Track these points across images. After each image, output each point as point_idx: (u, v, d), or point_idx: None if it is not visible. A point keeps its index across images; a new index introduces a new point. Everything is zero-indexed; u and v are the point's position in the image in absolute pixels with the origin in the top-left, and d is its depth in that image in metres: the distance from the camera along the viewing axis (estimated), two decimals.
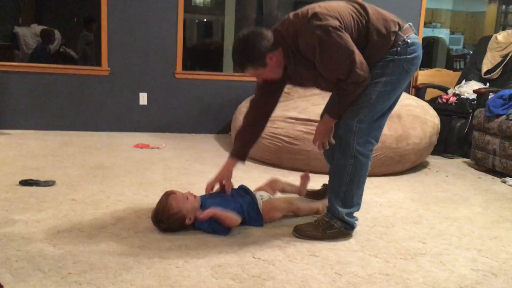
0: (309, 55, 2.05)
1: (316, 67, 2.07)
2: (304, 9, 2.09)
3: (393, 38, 2.09)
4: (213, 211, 2.14)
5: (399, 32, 2.10)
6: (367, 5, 2.12)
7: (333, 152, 2.33)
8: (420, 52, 2.16)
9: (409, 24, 2.16)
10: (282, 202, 2.43)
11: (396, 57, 2.09)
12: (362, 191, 2.22)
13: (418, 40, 2.16)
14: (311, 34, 1.99)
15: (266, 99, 2.35)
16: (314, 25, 1.99)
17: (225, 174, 2.36)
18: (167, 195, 2.18)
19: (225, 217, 2.15)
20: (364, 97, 2.09)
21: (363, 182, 2.20)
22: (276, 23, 2.19)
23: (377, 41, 2.08)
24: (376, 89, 2.09)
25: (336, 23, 1.99)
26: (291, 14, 2.13)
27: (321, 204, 2.48)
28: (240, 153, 2.37)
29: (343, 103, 2.12)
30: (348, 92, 2.08)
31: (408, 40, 2.10)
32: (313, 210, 2.49)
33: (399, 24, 2.12)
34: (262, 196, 2.39)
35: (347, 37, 2.00)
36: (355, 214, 2.22)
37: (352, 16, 2.06)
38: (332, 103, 2.18)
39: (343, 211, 2.15)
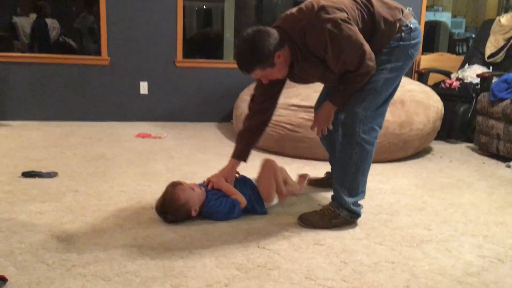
0: (319, 50, 1.99)
1: (324, 62, 2.03)
2: (307, 3, 2.03)
3: (398, 24, 2.07)
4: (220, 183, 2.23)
5: (402, 18, 2.09)
6: None
7: (331, 139, 2.31)
8: (420, 37, 2.17)
9: (408, 9, 2.15)
10: (264, 171, 2.38)
11: (401, 43, 2.07)
12: (367, 179, 2.20)
13: (418, 25, 2.16)
14: (321, 28, 1.94)
15: (268, 103, 2.31)
16: (323, 19, 1.94)
17: (228, 174, 2.35)
18: (174, 186, 2.16)
19: (233, 192, 2.21)
20: (370, 84, 2.07)
21: (368, 170, 2.18)
22: (277, 21, 2.11)
23: (384, 30, 2.06)
24: (382, 75, 2.07)
25: (344, 15, 1.95)
26: (294, 10, 2.07)
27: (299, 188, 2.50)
28: (242, 154, 2.35)
29: (348, 92, 2.09)
30: (355, 82, 2.05)
31: (411, 26, 2.09)
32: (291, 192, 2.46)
33: (402, 10, 2.12)
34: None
35: (355, 29, 1.97)
36: (360, 201, 2.21)
37: (356, 7, 2.03)
38: (336, 92, 2.15)
39: (349, 200, 2.14)
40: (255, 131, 2.35)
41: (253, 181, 2.38)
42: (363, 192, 2.20)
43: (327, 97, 2.23)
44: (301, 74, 2.13)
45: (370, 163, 2.17)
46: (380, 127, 2.18)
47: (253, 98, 2.37)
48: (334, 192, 2.20)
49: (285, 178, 2.49)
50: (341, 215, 2.15)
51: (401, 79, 2.19)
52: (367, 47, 1.99)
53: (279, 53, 2.00)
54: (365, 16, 2.04)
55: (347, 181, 2.14)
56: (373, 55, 2.01)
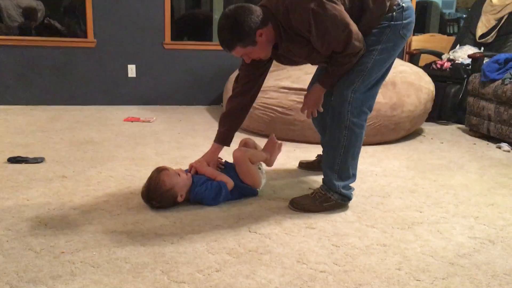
0: (303, 31, 1.94)
1: (310, 43, 1.97)
2: None
3: (388, 4, 2.00)
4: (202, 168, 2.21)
5: None
6: None
7: (324, 121, 2.28)
8: (414, 17, 2.09)
9: None
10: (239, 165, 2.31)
11: (392, 23, 2.01)
12: (357, 162, 2.18)
13: (411, 3, 2.09)
14: (304, 8, 1.87)
15: (251, 84, 2.25)
16: (306, 1, 1.87)
17: (211, 159, 2.31)
18: (159, 171, 2.11)
19: (216, 175, 2.19)
20: (359, 66, 2.02)
21: (358, 153, 2.15)
22: None
23: (372, 8, 1.99)
24: (372, 57, 2.02)
25: None
26: None
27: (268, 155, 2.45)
28: (225, 138, 2.31)
29: (337, 73, 2.05)
30: (343, 63, 2.00)
31: (403, 4, 2.02)
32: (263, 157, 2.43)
33: None
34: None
35: (341, 8, 1.91)
36: (351, 184, 2.19)
37: None
38: (325, 73, 2.10)
39: (339, 184, 2.12)
40: (237, 114, 2.31)
41: None
42: (354, 175, 2.18)
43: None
44: (287, 54, 2.08)
45: (360, 146, 2.15)
46: (370, 110, 2.14)
47: (237, 79, 2.32)
48: (324, 176, 2.18)
49: (256, 151, 2.44)
50: (332, 198, 2.13)
51: (393, 60, 2.13)
52: (353, 27, 1.92)
53: (261, 31, 1.94)
54: None
55: (336, 164, 2.11)
56: (360, 35, 1.96)
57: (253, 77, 2.24)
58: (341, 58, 1.99)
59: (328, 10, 1.87)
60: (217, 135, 2.33)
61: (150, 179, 2.11)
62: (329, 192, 2.14)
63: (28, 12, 5.93)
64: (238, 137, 3.45)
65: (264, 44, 1.99)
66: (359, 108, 2.05)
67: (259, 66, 2.19)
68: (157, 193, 2.07)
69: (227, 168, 2.33)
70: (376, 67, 2.04)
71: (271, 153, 2.47)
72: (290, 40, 1.99)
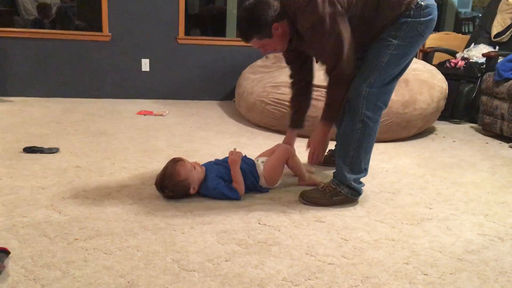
0: (304, 36, 2.06)
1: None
2: None
3: (406, 2, 1.99)
4: (236, 163, 2.20)
5: None
6: None
7: (342, 116, 2.29)
8: (435, 14, 2.06)
9: None
10: (275, 157, 2.36)
11: (410, 19, 2.00)
12: (370, 157, 2.19)
13: (433, 1, 2.06)
14: (307, 18, 1.98)
15: (302, 73, 2.40)
16: (311, 10, 1.95)
17: (288, 143, 2.49)
18: (175, 161, 2.15)
19: (239, 178, 2.19)
20: (375, 60, 2.04)
21: (371, 147, 2.16)
22: None
23: (386, 7, 2.00)
24: (388, 52, 2.03)
25: (334, 10, 1.94)
26: None
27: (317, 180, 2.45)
28: (294, 121, 2.49)
29: (333, 106, 2.12)
30: (334, 89, 2.08)
31: (422, 3, 2.01)
32: (305, 177, 2.44)
33: None
34: (263, 162, 2.36)
35: (343, 25, 1.96)
36: (362, 180, 2.20)
37: None
38: (324, 109, 2.17)
39: (350, 177, 2.13)
40: (301, 97, 2.45)
41: (261, 161, 2.36)
42: (366, 170, 2.19)
43: None
44: (300, 48, 2.21)
45: (374, 141, 2.16)
46: (386, 105, 2.15)
47: (290, 76, 2.49)
48: (336, 168, 2.20)
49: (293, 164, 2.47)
50: (342, 192, 2.15)
51: (411, 57, 2.13)
52: (345, 48, 1.97)
53: (277, 25, 2.05)
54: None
55: (349, 157, 2.12)
56: (352, 61, 2.01)
57: (297, 66, 2.40)
58: (330, 78, 2.07)
59: (327, 27, 1.94)
60: (288, 122, 2.53)
61: (166, 168, 2.15)
62: (339, 186, 2.15)
63: (42, 8, 6.01)
64: (254, 134, 3.49)
65: (279, 38, 2.10)
66: (374, 103, 2.07)
67: (296, 56, 2.34)
68: (171, 183, 2.10)
69: (246, 162, 2.32)
70: (392, 62, 2.05)
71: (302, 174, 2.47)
72: (299, 38, 2.10)
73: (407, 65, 2.15)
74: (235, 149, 2.26)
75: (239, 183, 2.18)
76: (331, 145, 2.78)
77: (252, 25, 2.06)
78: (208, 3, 6.44)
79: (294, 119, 2.49)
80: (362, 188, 2.20)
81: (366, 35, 2.08)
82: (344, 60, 1.99)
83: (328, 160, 2.70)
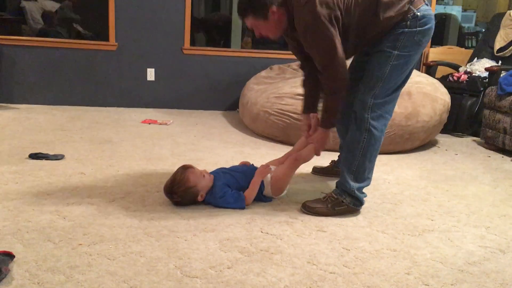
0: (299, 32, 2.08)
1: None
2: None
3: (401, 17, 2.03)
4: (263, 175, 2.23)
5: (410, 6, 2.04)
6: None
7: (345, 127, 2.32)
8: (432, 24, 2.11)
9: None
10: (286, 166, 2.36)
11: (406, 30, 2.05)
12: (374, 166, 2.21)
13: (430, 11, 2.10)
14: (302, 17, 2.01)
15: (308, 65, 2.34)
16: (307, 10, 1.98)
17: (307, 127, 2.40)
18: (185, 168, 2.18)
19: (255, 190, 2.21)
20: (377, 72, 2.08)
21: (375, 157, 2.19)
22: None
23: (382, 21, 2.04)
24: (389, 63, 2.07)
25: (330, 12, 1.97)
26: None
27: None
28: (310, 106, 2.42)
29: (330, 112, 2.15)
30: (329, 93, 2.11)
31: (418, 14, 2.04)
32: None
33: (411, 0, 2.06)
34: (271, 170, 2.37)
35: (335, 31, 2.00)
36: (365, 190, 2.21)
37: None
38: (321, 114, 2.21)
39: (354, 185, 2.15)
40: (312, 83, 2.41)
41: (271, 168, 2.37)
42: (369, 179, 2.21)
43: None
44: (295, 39, 2.21)
45: (378, 150, 2.18)
46: (390, 115, 2.19)
47: (301, 67, 2.49)
48: (340, 176, 2.22)
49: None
50: (344, 202, 2.16)
51: (412, 67, 2.17)
52: (339, 51, 2.00)
53: (274, 10, 2.07)
54: (368, 2, 2.05)
55: (354, 165, 2.15)
56: (345, 64, 2.05)
57: (302, 57, 2.34)
58: (324, 80, 2.10)
59: (321, 28, 1.97)
60: (302, 106, 2.46)
61: (176, 174, 2.17)
62: (341, 195, 2.17)
63: (46, 17, 6.09)
64: (258, 144, 3.51)
65: (273, 23, 2.12)
66: (379, 113, 2.11)
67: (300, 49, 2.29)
68: (181, 188, 2.13)
69: (252, 170, 2.35)
70: (394, 73, 2.09)
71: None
72: (295, 31, 2.12)
73: (409, 74, 2.18)
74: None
75: (253, 192, 2.20)
76: (334, 156, 2.81)
77: (250, 3, 2.09)
78: (213, 10, 6.48)
79: (308, 102, 2.43)
80: (364, 198, 2.21)
81: (362, 41, 2.12)
82: (337, 62, 2.01)
83: (331, 171, 2.72)
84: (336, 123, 2.25)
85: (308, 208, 2.18)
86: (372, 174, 2.22)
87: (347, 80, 2.08)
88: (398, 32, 2.05)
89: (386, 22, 2.04)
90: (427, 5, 2.10)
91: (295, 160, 2.35)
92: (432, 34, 2.14)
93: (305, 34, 2.04)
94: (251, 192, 2.20)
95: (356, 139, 2.13)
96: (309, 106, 2.43)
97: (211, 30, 6.21)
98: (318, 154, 2.34)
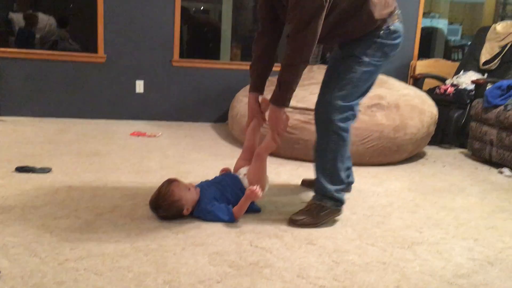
0: None
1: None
2: None
3: (379, 23, 2.11)
4: (257, 197, 2.14)
5: (388, 19, 2.13)
6: None
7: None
8: (401, 41, 2.21)
9: (397, 13, 2.19)
10: (254, 165, 2.30)
11: (379, 40, 2.13)
12: (344, 166, 2.25)
13: (402, 29, 2.21)
14: None
15: (270, 34, 2.29)
16: None
17: (254, 110, 2.34)
18: (170, 182, 2.17)
19: (244, 208, 2.17)
20: (346, 75, 2.13)
21: (345, 157, 2.25)
22: None
23: (363, 19, 2.09)
24: (360, 68, 2.13)
25: None
26: None
27: None
28: (257, 85, 2.33)
29: (285, 85, 2.07)
30: (287, 62, 2.03)
31: (391, 28, 2.14)
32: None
33: (391, 13, 2.14)
34: (245, 175, 2.34)
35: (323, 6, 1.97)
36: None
37: None
38: (275, 89, 2.13)
39: (332, 188, 2.20)
40: (264, 60, 2.31)
41: (243, 173, 2.35)
42: (344, 181, 2.26)
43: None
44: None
45: (347, 150, 2.24)
46: (354, 118, 2.22)
47: (255, 42, 2.33)
48: (316, 182, 2.25)
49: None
50: (327, 206, 2.20)
51: (376, 77, 2.24)
52: (320, 20, 1.95)
53: None
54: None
55: (327, 169, 2.20)
56: (317, 36, 1.98)
57: (269, 29, 2.27)
58: (290, 50, 2.00)
59: None
60: (250, 86, 2.36)
61: (160, 188, 2.16)
62: (322, 200, 2.21)
63: (28, 21, 6.06)
64: (238, 152, 3.49)
65: None
66: (345, 115, 2.15)
67: (274, 19, 2.24)
68: (165, 202, 2.11)
69: (232, 178, 2.33)
70: (363, 78, 2.15)
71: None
72: None
73: (371, 86, 2.26)
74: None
75: (241, 211, 2.18)
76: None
77: None
78: (203, 27, 6.48)
79: (256, 81, 2.32)
80: (344, 197, 2.26)
81: (338, 30, 2.12)
82: (311, 29, 1.96)
83: (311, 183, 2.72)
84: (289, 102, 2.14)
85: (296, 222, 2.18)
86: (345, 175, 2.27)
87: (311, 53, 2.02)
88: (371, 40, 2.13)
89: (366, 21, 2.09)
90: (400, 23, 2.20)
91: (258, 155, 2.28)
92: (398, 50, 2.23)
93: None
94: (239, 211, 2.17)
95: (325, 143, 2.18)
96: (257, 85, 2.33)
97: (200, 44, 6.21)
98: (275, 141, 2.24)
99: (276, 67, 2.21)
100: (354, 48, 2.14)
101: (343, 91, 2.12)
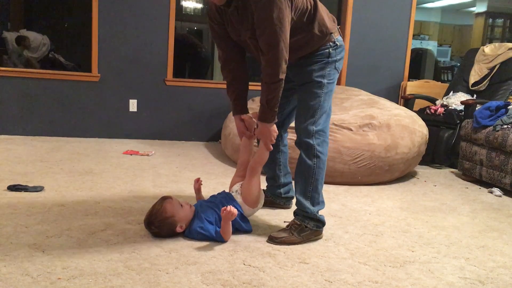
0: (255, 10, 2.02)
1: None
2: None
3: (327, 38, 2.23)
4: (233, 216, 2.11)
5: (332, 34, 2.25)
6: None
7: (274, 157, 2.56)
8: (344, 53, 2.35)
9: (337, 27, 2.32)
10: (248, 179, 2.32)
11: (330, 59, 2.26)
12: (322, 187, 2.33)
13: (343, 42, 2.34)
14: None
15: (235, 58, 2.33)
16: None
17: (241, 130, 2.40)
18: (163, 199, 2.18)
19: (228, 229, 2.16)
20: (312, 101, 2.24)
21: (323, 179, 2.32)
22: None
23: (315, 34, 2.18)
24: (322, 91, 2.25)
25: (289, 3, 2.03)
26: None
27: None
28: (238, 108, 2.38)
29: (271, 101, 2.11)
30: (268, 81, 2.07)
31: (338, 43, 2.28)
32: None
33: (335, 25, 2.29)
34: (238, 191, 2.36)
35: (287, 12, 2.02)
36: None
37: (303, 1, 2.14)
38: (261, 107, 2.18)
39: (314, 209, 2.26)
40: (238, 82, 2.35)
41: (236, 190, 2.37)
42: (323, 202, 2.33)
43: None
44: (233, 18, 2.13)
45: (324, 173, 2.32)
46: (328, 138, 2.32)
47: (222, 68, 2.39)
48: (297, 205, 2.30)
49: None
50: (308, 227, 2.25)
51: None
52: (287, 33, 2.03)
53: None
54: (307, 12, 2.15)
55: (308, 191, 2.27)
56: (287, 51, 2.04)
57: (229, 42, 2.29)
58: (266, 67, 2.06)
59: (275, 6, 1.97)
60: (232, 110, 2.42)
61: (154, 205, 2.18)
62: (304, 221, 2.25)
63: (20, 41, 6.12)
64: (231, 170, 3.51)
65: None
66: (321, 139, 2.27)
67: (233, 47, 2.30)
68: (158, 219, 2.12)
69: (224, 197, 2.34)
70: (326, 99, 2.28)
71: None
72: (242, 7, 2.06)
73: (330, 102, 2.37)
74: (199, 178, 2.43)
75: (227, 234, 2.16)
76: None
77: None
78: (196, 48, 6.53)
79: (238, 105, 2.37)
80: (324, 218, 2.31)
81: (293, 47, 2.14)
82: (282, 43, 2.01)
83: (274, 203, 2.73)
84: (275, 116, 2.19)
85: (275, 240, 2.20)
86: (323, 197, 2.34)
87: (285, 67, 2.06)
88: (323, 62, 2.24)
89: (314, 36, 2.19)
90: (341, 36, 2.35)
91: (251, 169, 2.31)
92: (342, 61, 2.37)
93: (256, 9, 1.99)
94: (225, 234, 2.15)
95: (307, 166, 2.26)
96: (238, 108, 2.38)
97: (193, 64, 6.26)
98: (269, 148, 2.30)
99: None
100: (310, 73, 2.24)
101: (315, 117, 2.24)
